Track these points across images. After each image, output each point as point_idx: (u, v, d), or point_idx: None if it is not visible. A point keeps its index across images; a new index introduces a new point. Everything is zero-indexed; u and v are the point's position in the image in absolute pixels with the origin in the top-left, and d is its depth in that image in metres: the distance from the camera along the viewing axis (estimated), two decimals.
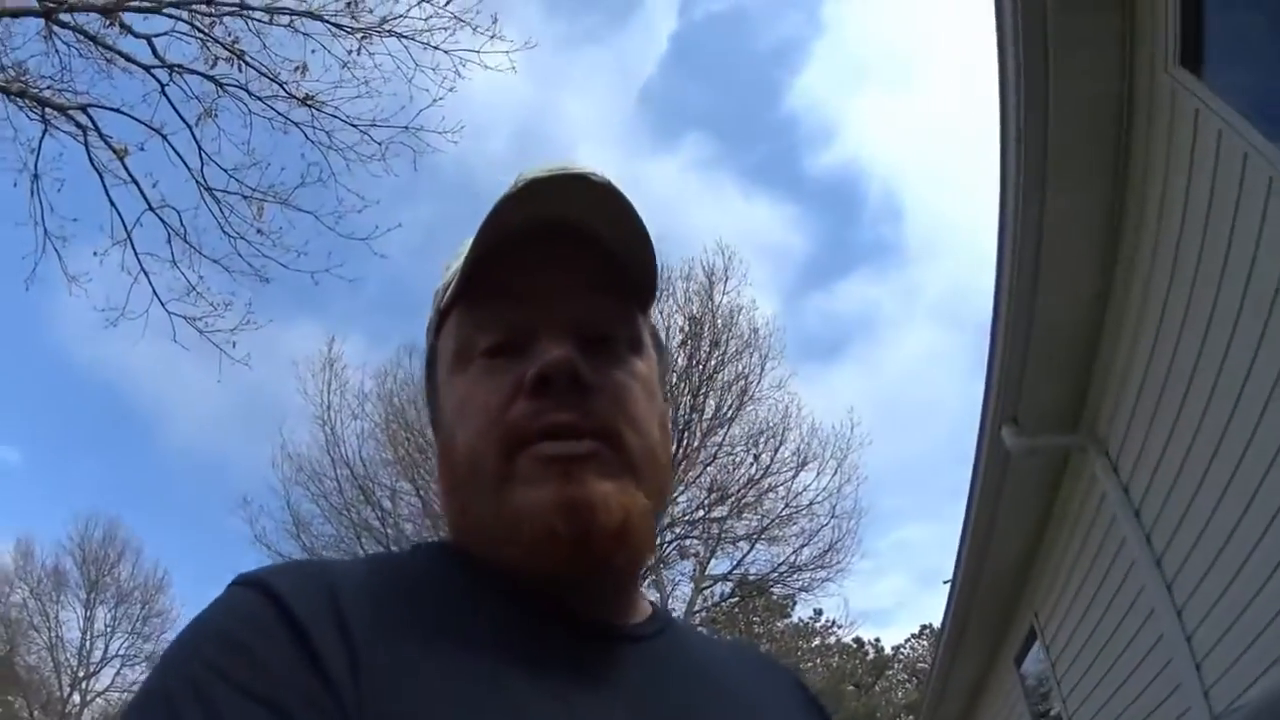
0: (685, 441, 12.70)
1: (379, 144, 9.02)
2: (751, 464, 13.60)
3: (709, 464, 13.44)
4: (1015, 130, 2.96)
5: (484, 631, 0.55)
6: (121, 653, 21.23)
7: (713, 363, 13.15)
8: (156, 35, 8.64)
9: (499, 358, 0.62)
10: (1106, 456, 3.85)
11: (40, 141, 8.63)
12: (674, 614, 0.68)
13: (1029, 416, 3.99)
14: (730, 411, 13.38)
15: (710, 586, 16.07)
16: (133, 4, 8.58)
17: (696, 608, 15.92)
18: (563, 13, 25.40)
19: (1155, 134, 2.90)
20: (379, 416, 14.02)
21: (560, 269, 0.63)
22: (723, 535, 14.58)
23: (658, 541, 0.65)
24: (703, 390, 13.03)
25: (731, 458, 13.60)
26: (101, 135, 8.75)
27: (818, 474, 13.95)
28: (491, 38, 9.10)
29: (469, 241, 0.65)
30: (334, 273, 9.22)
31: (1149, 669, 3.68)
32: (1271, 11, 2.38)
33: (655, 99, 28.23)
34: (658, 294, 0.69)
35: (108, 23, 8.49)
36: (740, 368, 13.41)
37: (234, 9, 8.71)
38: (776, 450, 13.56)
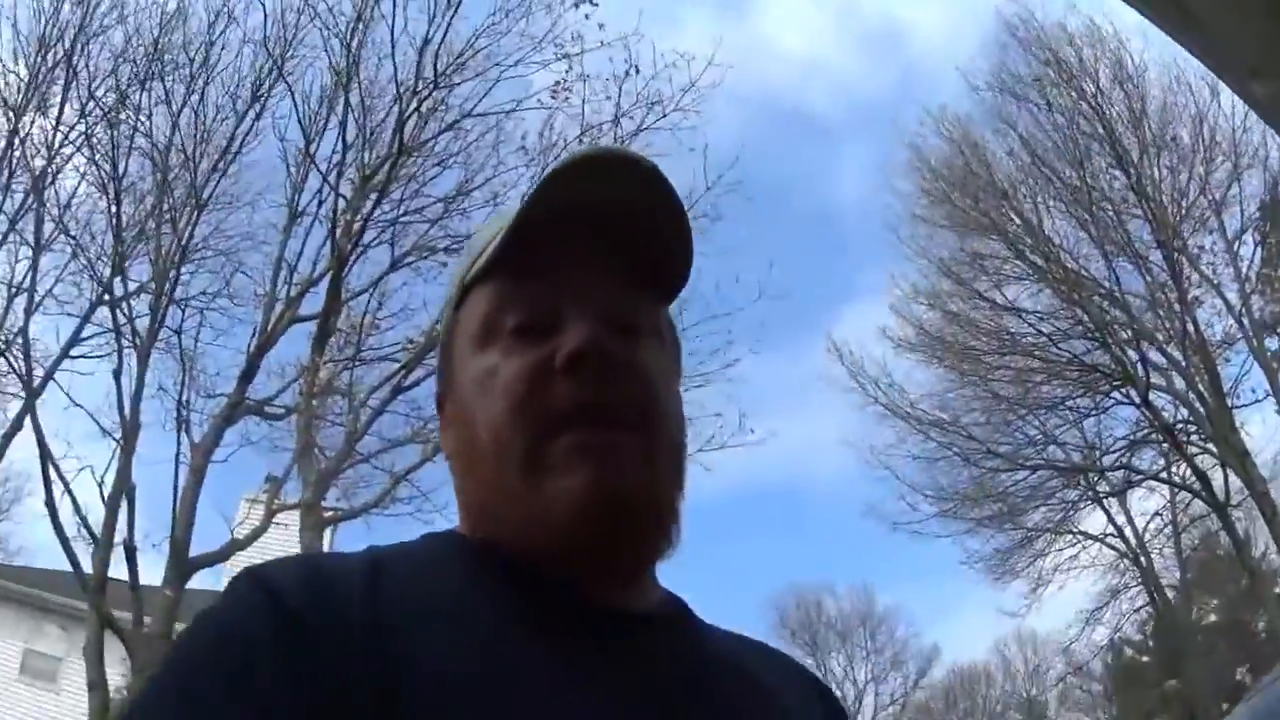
0: None
1: None
2: None
3: None
4: None
5: (492, 616, 0.54)
6: None
7: None
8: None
9: (525, 337, 0.60)
10: None
11: None
12: (690, 605, 0.68)
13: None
14: None
15: None
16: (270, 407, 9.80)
17: None
18: None
19: None
20: None
21: (593, 256, 0.62)
22: None
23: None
24: None
25: None
26: None
27: None
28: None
29: (497, 219, 0.66)
30: None
31: None
32: None
33: None
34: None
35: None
36: None
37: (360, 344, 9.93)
38: None
